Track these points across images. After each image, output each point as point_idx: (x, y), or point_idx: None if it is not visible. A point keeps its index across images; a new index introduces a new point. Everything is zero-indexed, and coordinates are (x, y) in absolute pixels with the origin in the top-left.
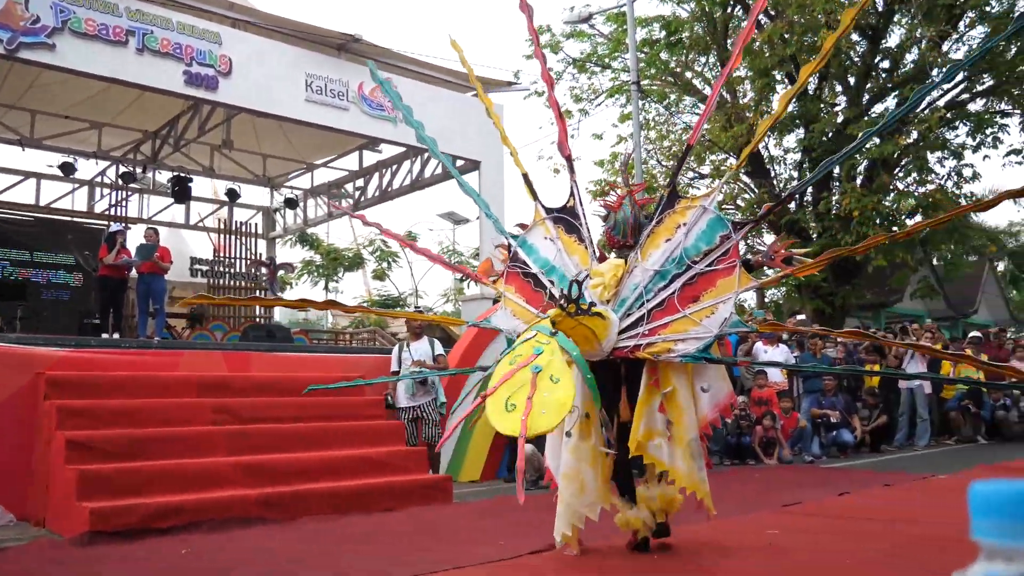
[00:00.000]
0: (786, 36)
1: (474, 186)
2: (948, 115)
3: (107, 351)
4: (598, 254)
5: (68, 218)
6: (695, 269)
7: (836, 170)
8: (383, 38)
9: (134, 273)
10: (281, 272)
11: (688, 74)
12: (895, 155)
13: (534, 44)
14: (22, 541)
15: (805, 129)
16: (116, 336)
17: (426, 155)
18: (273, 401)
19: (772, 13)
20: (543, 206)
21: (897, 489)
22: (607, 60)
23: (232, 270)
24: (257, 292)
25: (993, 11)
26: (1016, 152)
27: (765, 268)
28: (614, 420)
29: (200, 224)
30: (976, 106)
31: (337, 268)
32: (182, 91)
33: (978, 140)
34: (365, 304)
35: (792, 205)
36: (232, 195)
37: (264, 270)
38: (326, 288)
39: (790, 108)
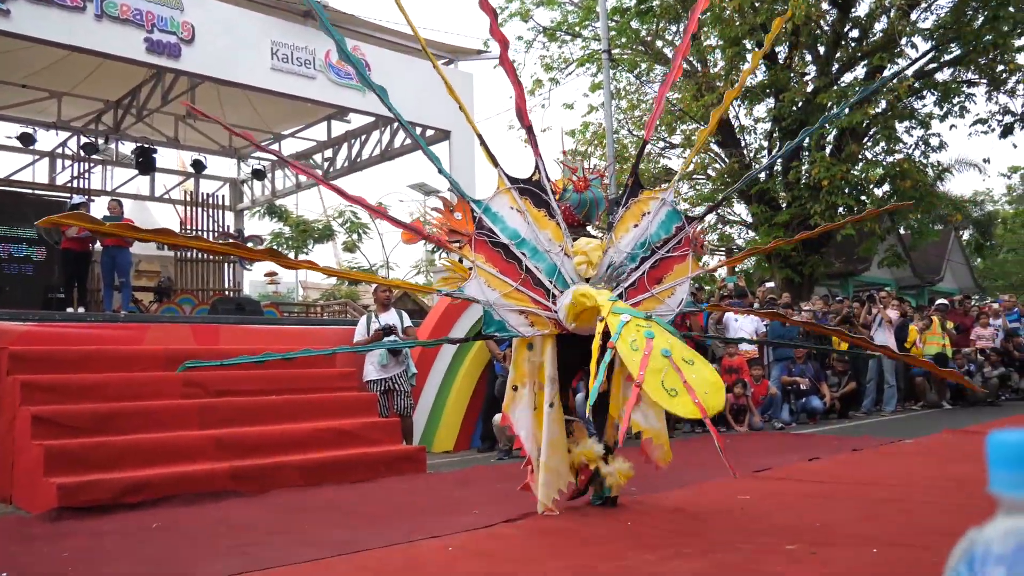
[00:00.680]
0: (756, 4)
1: (444, 156)
2: (916, 84)
3: (72, 325)
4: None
5: (28, 190)
6: (658, 254)
7: (805, 139)
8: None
9: (98, 246)
10: (250, 244)
11: (659, 43)
12: (864, 124)
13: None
14: None
15: (775, 98)
16: (81, 310)
17: (395, 125)
18: (243, 374)
19: None
20: (507, 176)
21: (865, 454)
22: (578, 29)
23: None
24: (225, 265)
25: None
26: (982, 121)
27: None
28: (575, 390)
29: (166, 196)
30: (943, 76)
31: (307, 240)
32: (143, 59)
33: (945, 109)
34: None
35: (762, 175)
36: (198, 166)
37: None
38: None
39: (760, 77)
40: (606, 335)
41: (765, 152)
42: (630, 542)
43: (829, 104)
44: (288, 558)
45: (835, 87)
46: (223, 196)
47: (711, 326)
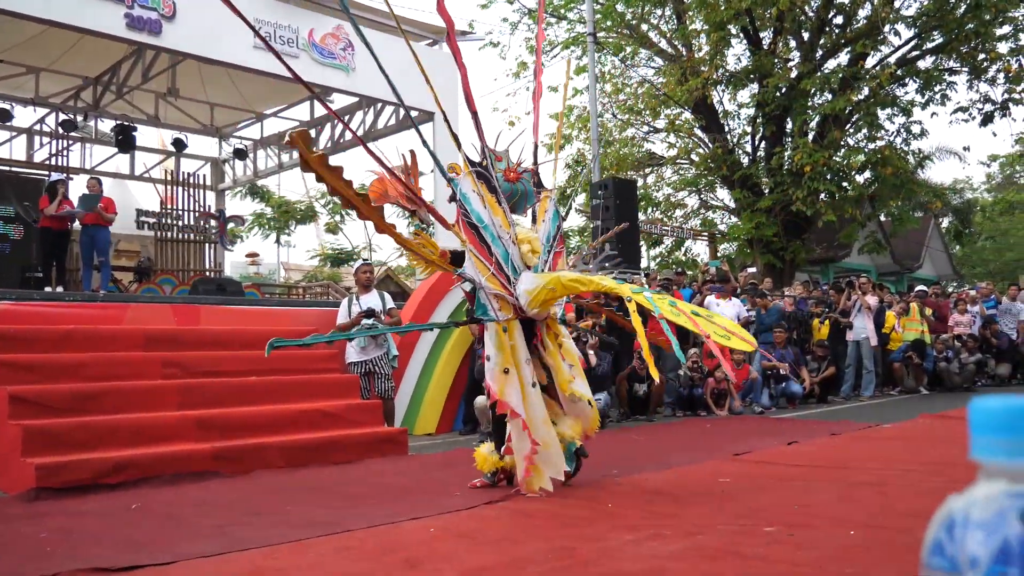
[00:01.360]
0: None
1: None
2: (898, 72)
3: (51, 304)
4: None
5: (6, 168)
6: (552, 248)
7: (788, 125)
8: None
9: (77, 225)
10: (231, 225)
11: (644, 26)
12: (846, 111)
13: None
14: None
15: (759, 84)
16: (60, 289)
17: (379, 105)
18: (225, 355)
19: None
20: (467, 158)
21: (843, 438)
22: (563, 11)
23: (180, 222)
24: (207, 245)
25: None
26: (963, 109)
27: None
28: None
29: (146, 175)
30: (925, 63)
31: (289, 221)
32: (124, 35)
33: (927, 97)
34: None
35: (745, 160)
36: (179, 145)
37: (213, 222)
38: (277, 241)
39: (744, 63)
40: (642, 312)
41: (748, 137)
42: (610, 523)
43: (812, 90)
44: (270, 539)
45: (819, 73)
46: (204, 176)
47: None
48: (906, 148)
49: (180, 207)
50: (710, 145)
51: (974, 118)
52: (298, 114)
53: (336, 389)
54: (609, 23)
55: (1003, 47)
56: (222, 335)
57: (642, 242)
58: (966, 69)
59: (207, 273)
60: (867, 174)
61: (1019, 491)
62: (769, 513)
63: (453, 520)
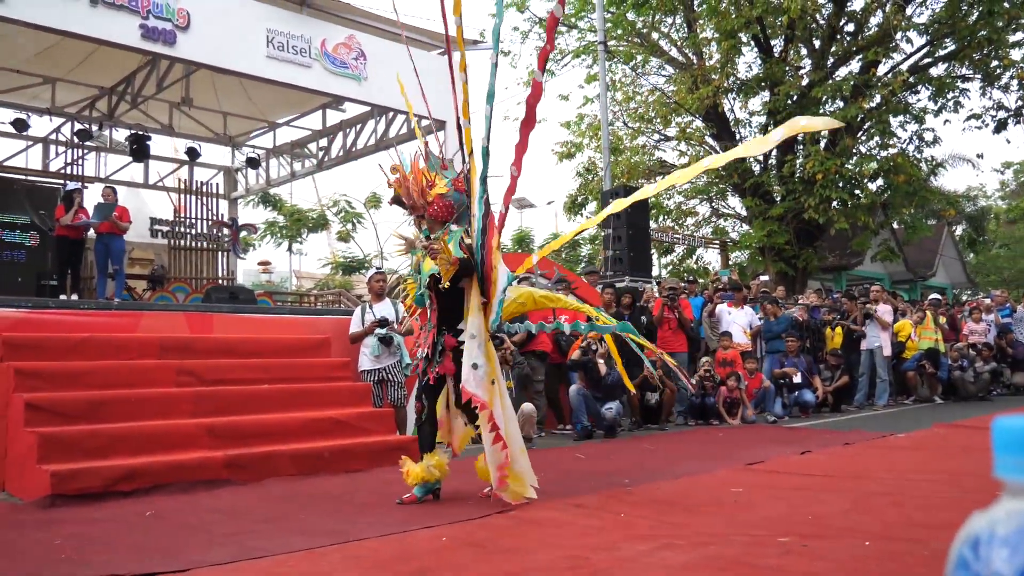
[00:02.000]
0: None
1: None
2: (910, 79)
3: (66, 312)
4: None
5: (22, 176)
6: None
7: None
8: None
9: (92, 233)
10: (244, 233)
11: (655, 35)
12: (858, 118)
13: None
14: None
15: (770, 92)
16: (75, 297)
17: (391, 114)
18: (237, 363)
19: None
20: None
21: (857, 447)
22: (574, 20)
23: (193, 231)
24: (219, 253)
25: None
26: (976, 117)
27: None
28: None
29: (160, 184)
30: (938, 70)
31: (301, 229)
32: (138, 45)
33: (939, 104)
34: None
35: (756, 168)
36: (192, 154)
37: (226, 231)
38: (289, 249)
39: (755, 71)
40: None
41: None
42: (623, 533)
43: (824, 98)
44: (282, 547)
45: (830, 81)
46: (217, 184)
47: (704, 319)
48: (919, 155)
49: (193, 215)
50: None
51: (987, 125)
52: (310, 123)
53: (348, 397)
54: (620, 31)
55: (1016, 54)
56: (235, 343)
57: (653, 250)
58: (979, 76)
59: (220, 281)
60: (879, 182)
61: None
62: (782, 523)
63: (465, 529)
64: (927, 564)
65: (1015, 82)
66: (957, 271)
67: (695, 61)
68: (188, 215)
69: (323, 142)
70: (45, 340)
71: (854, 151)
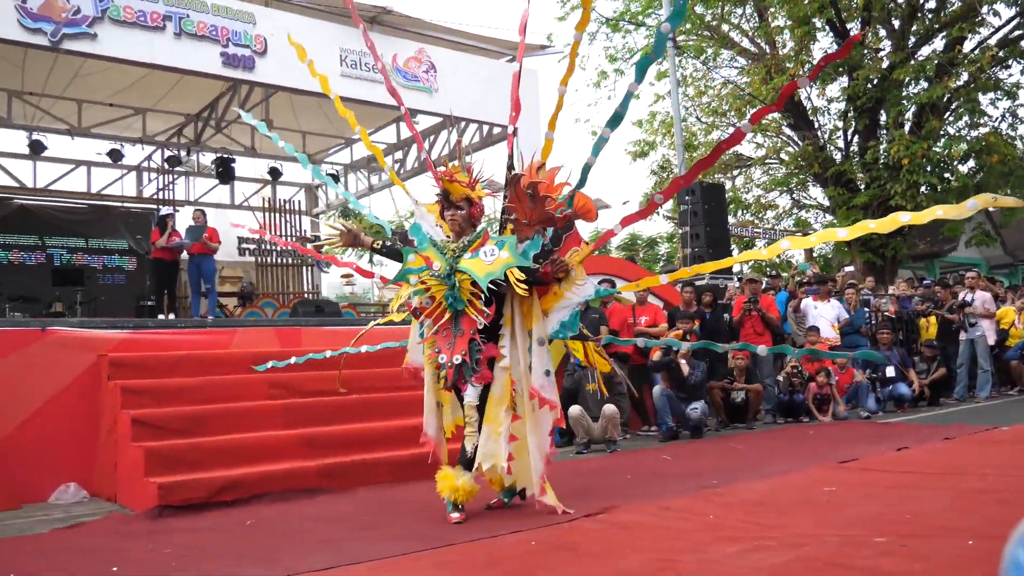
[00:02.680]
0: None
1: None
2: (1000, 54)
3: (164, 331)
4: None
5: (119, 204)
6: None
7: (882, 117)
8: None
9: (184, 255)
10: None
11: (725, 27)
12: (944, 99)
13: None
14: (96, 516)
15: (849, 77)
16: (171, 316)
17: (463, 124)
18: (325, 374)
19: None
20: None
21: (958, 442)
22: (641, 17)
23: (278, 248)
24: (304, 268)
25: None
26: None
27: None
28: None
29: (245, 203)
30: None
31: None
32: (220, 72)
33: None
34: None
35: (837, 156)
36: (274, 173)
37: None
38: (371, 261)
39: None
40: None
41: (840, 133)
42: (712, 535)
43: (907, 79)
44: (377, 552)
45: (912, 61)
46: (299, 201)
47: (789, 314)
48: (1012, 133)
49: (278, 233)
50: (800, 143)
51: None
52: (385, 136)
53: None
54: (688, 26)
55: None
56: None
57: (733, 245)
58: None
59: (306, 295)
60: (971, 163)
61: None
62: (879, 523)
63: (553, 533)
64: None
65: None
66: None
67: (768, 51)
68: (273, 232)
69: (398, 155)
70: (147, 359)
71: (941, 133)
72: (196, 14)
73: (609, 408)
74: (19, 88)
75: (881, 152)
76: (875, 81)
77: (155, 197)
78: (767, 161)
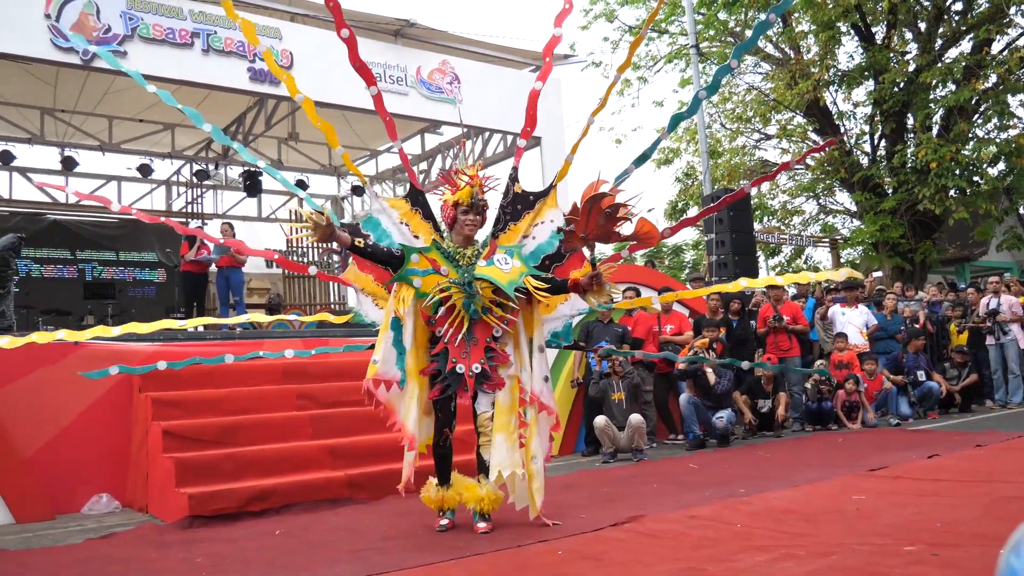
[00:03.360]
0: None
1: (536, 162)
2: None
3: (194, 344)
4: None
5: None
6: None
7: (909, 121)
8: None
9: (213, 267)
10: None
11: (748, 32)
12: (972, 101)
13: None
14: (128, 526)
15: (874, 81)
16: (201, 329)
17: (487, 134)
18: (352, 385)
19: None
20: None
21: (990, 449)
22: (664, 25)
23: (305, 259)
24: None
25: None
26: None
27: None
28: None
29: (272, 216)
30: None
31: None
32: (247, 88)
33: None
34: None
35: (864, 160)
36: (301, 185)
37: (336, 257)
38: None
39: (857, 60)
40: None
41: (867, 137)
42: (740, 544)
43: (933, 82)
44: (404, 563)
45: (939, 64)
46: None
47: (816, 321)
48: None
49: (304, 244)
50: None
51: None
52: (410, 148)
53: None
54: (712, 32)
55: None
56: (347, 366)
57: (759, 252)
58: None
59: (332, 306)
60: (1000, 166)
61: None
62: (910, 531)
63: (580, 542)
64: None
65: None
66: None
67: (792, 56)
68: (300, 244)
69: (423, 165)
70: (178, 371)
71: (970, 135)
72: (223, 30)
73: (635, 417)
74: (51, 106)
75: (909, 156)
76: (901, 85)
77: (184, 211)
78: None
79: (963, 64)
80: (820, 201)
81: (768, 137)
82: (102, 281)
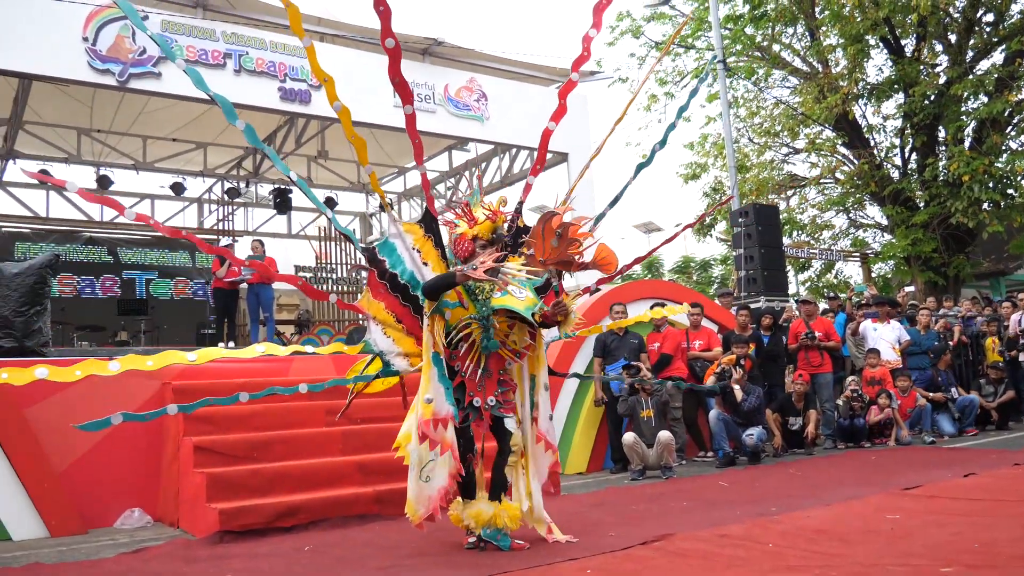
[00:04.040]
0: None
1: (563, 178)
2: None
3: (224, 360)
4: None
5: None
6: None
7: (941, 134)
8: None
9: (244, 284)
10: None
11: (776, 47)
12: (1005, 113)
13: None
14: (159, 541)
15: (905, 93)
16: (231, 345)
17: (514, 151)
18: (379, 401)
19: None
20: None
21: None
22: (690, 40)
23: (334, 275)
24: (359, 295)
25: None
26: None
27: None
28: None
29: (302, 233)
30: None
31: None
32: (278, 107)
33: None
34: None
35: (895, 174)
36: (330, 203)
37: (364, 274)
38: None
39: (886, 73)
40: None
41: (897, 150)
42: (771, 563)
43: (965, 95)
44: None
45: (971, 76)
46: (354, 230)
47: (847, 337)
48: None
49: (333, 261)
50: (855, 161)
51: None
52: (437, 165)
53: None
54: (739, 47)
55: None
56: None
57: (789, 267)
58: None
59: (360, 322)
60: None
61: None
62: (945, 552)
63: (609, 561)
64: None
65: None
66: None
67: (820, 69)
68: (329, 261)
69: (451, 182)
70: (209, 386)
71: (1003, 147)
72: (255, 51)
73: (664, 434)
74: (88, 126)
75: (940, 169)
76: (932, 97)
77: (215, 228)
78: (822, 181)
79: (995, 76)
80: (850, 215)
81: (797, 151)
82: (135, 298)
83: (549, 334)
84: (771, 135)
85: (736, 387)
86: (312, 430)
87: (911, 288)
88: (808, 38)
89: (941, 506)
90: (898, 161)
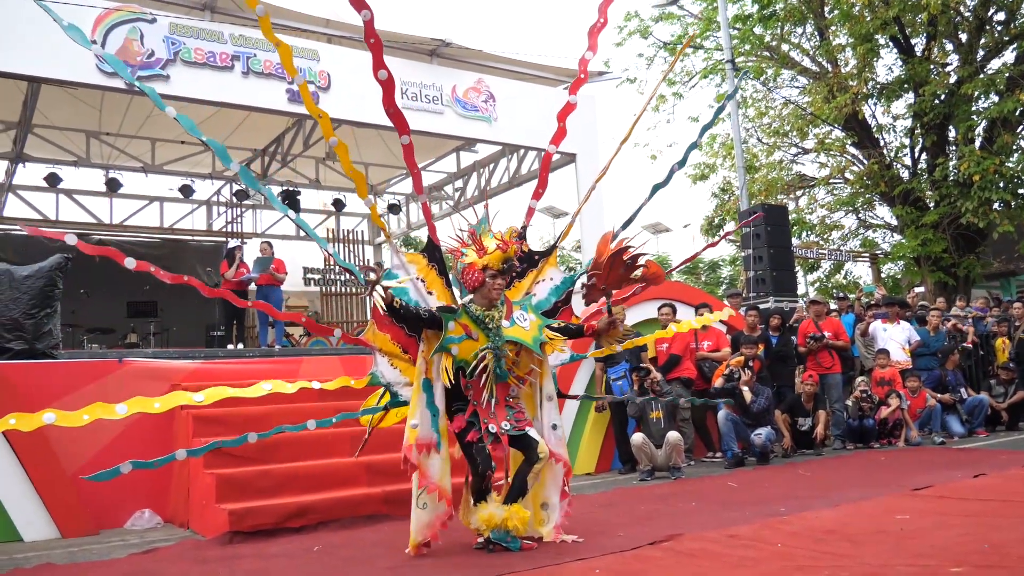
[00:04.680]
0: None
1: (571, 179)
2: None
3: (233, 361)
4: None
5: (189, 237)
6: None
7: (951, 133)
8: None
9: (252, 286)
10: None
11: (785, 47)
12: (1016, 112)
13: None
14: (169, 542)
15: (914, 93)
16: (240, 346)
17: (522, 152)
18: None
19: None
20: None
21: None
22: (699, 40)
23: (343, 277)
24: (367, 298)
25: None
26: None
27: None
28: None
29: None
30: None
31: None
32: (286, 109)
33: None
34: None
35: (905, 174)
36: (338, 204)
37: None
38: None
39: (896, 72)
40: None
41: (907, 150)
42: (780, 564)
43: (975, 94)
44: None
45: (981, 75)
46: (362, 231)
47: (857, 337)
48: None
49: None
50: (865, 161)
51: None
52: (445, 166)
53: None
54: (748, 47)
55: None
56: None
57: (798, 267)
58: None
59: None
60: None
61: None
62: (955, 552)
63: (618, 561)
64: None
65: None
66: None
67: (830, 69)
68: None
69: (458, 183)
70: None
71: (1014, 147)
72: (263, 53)
73: (673, 435)
74: (97, 129)
75: (950, 169)
76: (942, 97)
77: (224, 230)
78: (831, 181)
79: (1006, 75)
80: (860, 215)
81: (806, 151)
82: (145, 300)
83: (559, 357)
84: (780, 135)
85: (745, 388)
86: (321, 431)
87: (921, 289)
88: (817, 38)
89: (951, 507)
90: (908, 161)
